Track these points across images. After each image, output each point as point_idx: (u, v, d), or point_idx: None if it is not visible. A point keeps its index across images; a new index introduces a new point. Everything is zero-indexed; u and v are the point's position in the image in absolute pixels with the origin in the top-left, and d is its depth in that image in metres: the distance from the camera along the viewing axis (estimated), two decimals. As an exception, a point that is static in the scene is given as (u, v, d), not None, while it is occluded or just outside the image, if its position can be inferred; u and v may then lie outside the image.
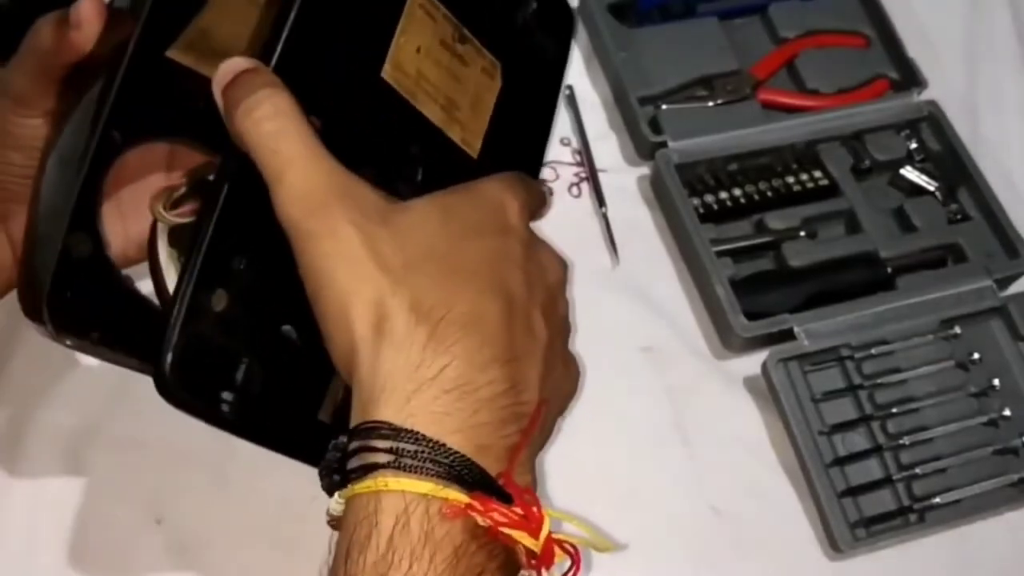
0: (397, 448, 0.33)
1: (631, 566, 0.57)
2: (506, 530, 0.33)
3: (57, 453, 0.56)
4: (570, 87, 0.72)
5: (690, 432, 0.61)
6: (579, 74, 0.73)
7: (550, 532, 0.34)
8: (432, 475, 0.33)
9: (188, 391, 0.36)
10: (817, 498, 0.58)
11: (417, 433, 0.33)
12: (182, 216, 0.44)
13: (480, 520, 0.33)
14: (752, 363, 0.62)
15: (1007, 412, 0.62)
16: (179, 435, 0.56)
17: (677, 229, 0.66)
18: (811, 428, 0.60)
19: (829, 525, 0.57)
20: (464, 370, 0.35)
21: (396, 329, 0.35)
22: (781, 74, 0.72)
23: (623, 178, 0.69)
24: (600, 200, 0.68)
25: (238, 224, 0.38)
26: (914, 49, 0.72)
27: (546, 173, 0.69)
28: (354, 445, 0.34)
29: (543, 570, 0.35)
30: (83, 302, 0.41)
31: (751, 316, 0.61)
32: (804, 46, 0.73)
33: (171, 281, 0.43)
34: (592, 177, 0.69)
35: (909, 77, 0.71)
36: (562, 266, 0.42)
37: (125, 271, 0.44)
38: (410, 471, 0.33)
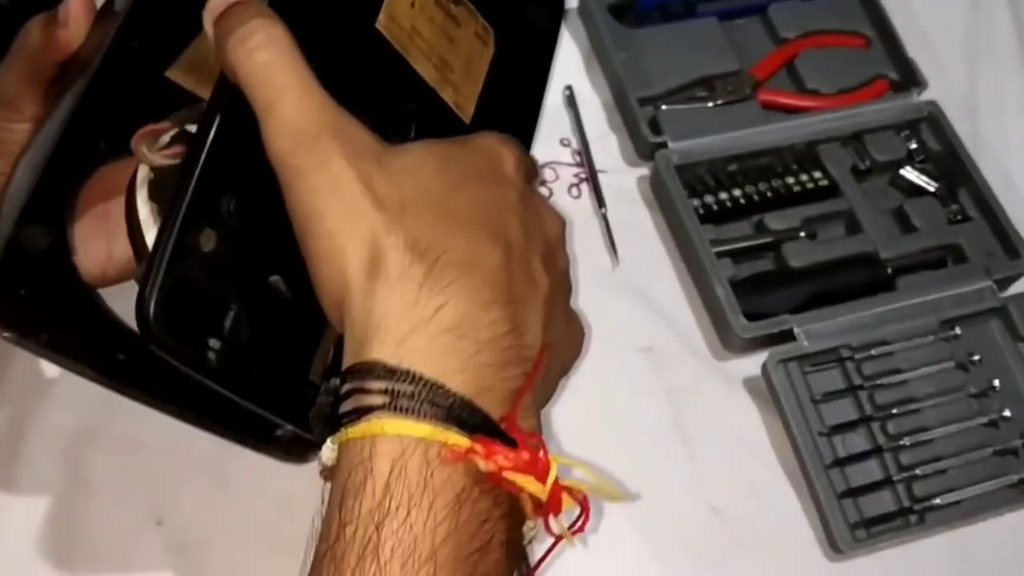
0: (392, 389, 0.32)
1: (631, 566, 0.57)
2: (510, 475, 0.32)
3: (57, 453, 0.56)
4: (570, 87, 0.72)
5: (690, 432, 0.61)
6: (579, 74, 0.73)
7: (557, 478, 0.33)
8: (430, 418, 0.31)
9: (174, 335, 0.34)
10: (817, 499, 0.58)
11: (414, 373, 0.32)
12: (168, 158, 0.42)
13: (482, 465, 0.31)
14: (752, 364, 0.62)
15: (1007, 413, 0.62)
16: (179, 436, 0.56)
17: (677, 230, 0.66)
18: (811, 429, 0.60)
19: (829, 526, 0.57)
20: (465, 309, 0.33)
21: (391, 268, 0.33)
22: (781, 74, 0.72)
23: (623, 179, 0.69)
24: (600, 201, 0.68)
25: (229, 162, 0.36)
26: (914, 49, 0.72)
27: (546, 173, 0.69)
28: (347, 387, 0.33)
29: (550, 518, 0.33)
30: (35, 299, 0.39)
31: (751, 317, 0.61)
32: (804, 46, 0.73)
33: (151, 238, 0.41)
34: (592, 178, 0.69)
35: (909, 77, 0.71)
36: (560, 221, 0.40)
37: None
38: (407, 413, 0.31)
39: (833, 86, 0.72)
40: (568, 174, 0.69)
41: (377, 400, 0.31)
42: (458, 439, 0.31)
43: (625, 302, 0.65)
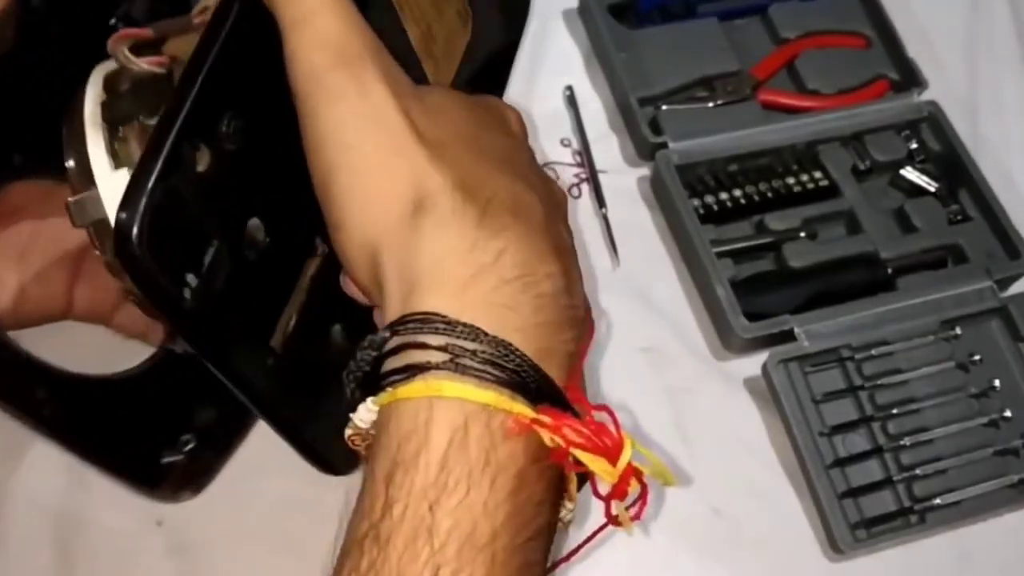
0: (453, 346, 0.27)
1: (631, 565, 0.57)
2: (579, 453, 0.28)
3: (57, 454, 0.56)
4: (570, 87, 0.72)
5: (690, 432, 0.61)
6: (579, 74, 0.73)
7: (630, 460, 0.29)
8: (494, 382, 0.28)
9: (155, 258, 0.30)
10: (817, 499, 0.58)
11: (478, 329, 0.28)
12: (152, 65, 0.38)
13: (548, 439, 0.28)
14: (752, 364, 0.62)
15: (1007, 413, 0.62)
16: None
17: (677, 230, 0.66)
18: (811, 429, 0.60)
19: (829, 526, 0.57)
20: (525, 257, 0.29)
21: (441, 206, 0.29)
22: (781, 75, 0.72)
23: (623, 179, 0.69)
24: (600, 201, 0.68)
25: (233, 78, 0.32)
26: (914, 49, 0.72)
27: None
28: (396, 341, 0.28)
29: (613, 503, 0.29)
30: None
31: (751, 317, 0.61)
32: (804, 46, 0.73)
33: (100, 167, 0.36)
34: (592, 178, 0.69)
35: (909, 77, 0.71)
36: (563, 191, 0.38)
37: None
38: (469, 374, 0.27)
39: (833, 86, 0.71)
40: (568, 174, 0.69)
41: (435, 357, 0.28)
42: (523, 409, 0.28)
43: (625, 302, 0.65)
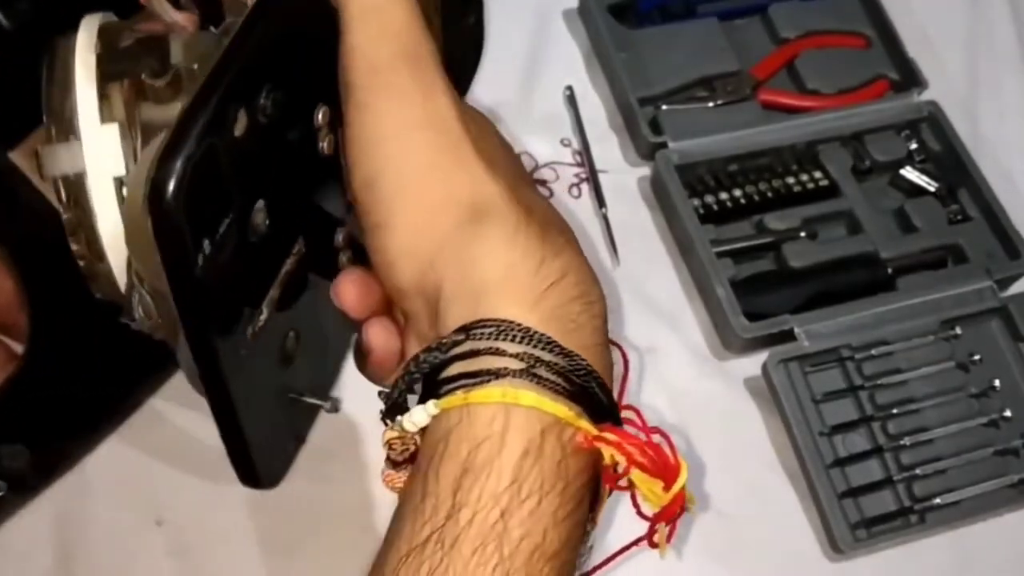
0: (529, 355, 0.27)
1: (631, 566, 0.57)
2: (637, 473, 0.28)
3: (57, 454, 0.56)
4: (570, 87, 0.72)
5: (690, 432, 0.61)
6: (579, 74, 0.73)
7: (684, 485, 0.29)
8: (565, 395, 0.27)
9: (187, 216, 0.29)
10: (817, 499, 0.58)
11: (554, 341, 0.27)
12: (186, 22, 0.37)
13: (609, 457, 0.27)
14: (752, 364, 0.62)
15: (1007, 413, 0.62)
16: (179, 436, 0.56)
17: (677, 230, 0.66)
18: (811, 429, 0.60)
19: (830, 526, 0.57)
20: (582, 278, 0.29)
21: (506, 218, 0.29)
22: (781, 74, 0.72)
23: (623, 179, 0.69)
24: (600, 201, 0.68)
25: (278, 49, 0.31)
26: (914, 49, 0.72)
27: (546, 173, 0.69)
28: (470, 346, 0.28)
29: (661, 525, 0.29)
30: None
31: (751, 317, 0.61)
32: (804, 46, 0.73)
33: (87, 121, 0.35)
34: (592, 178, 0.69)
35: (909, 77, 0.71)
36: None
37: None
38: (544, 385, 0.27)
39: (833, 86, 0.72)
40: (568, 174, 0.69)
41: (512, 364, 0.27)
42: (589, 425, 0.28)
43: (625, 302, 0.65)
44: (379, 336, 0.32)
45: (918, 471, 0.59)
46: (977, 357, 0.63)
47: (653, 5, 0.73)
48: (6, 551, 0.53)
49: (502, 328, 0.27)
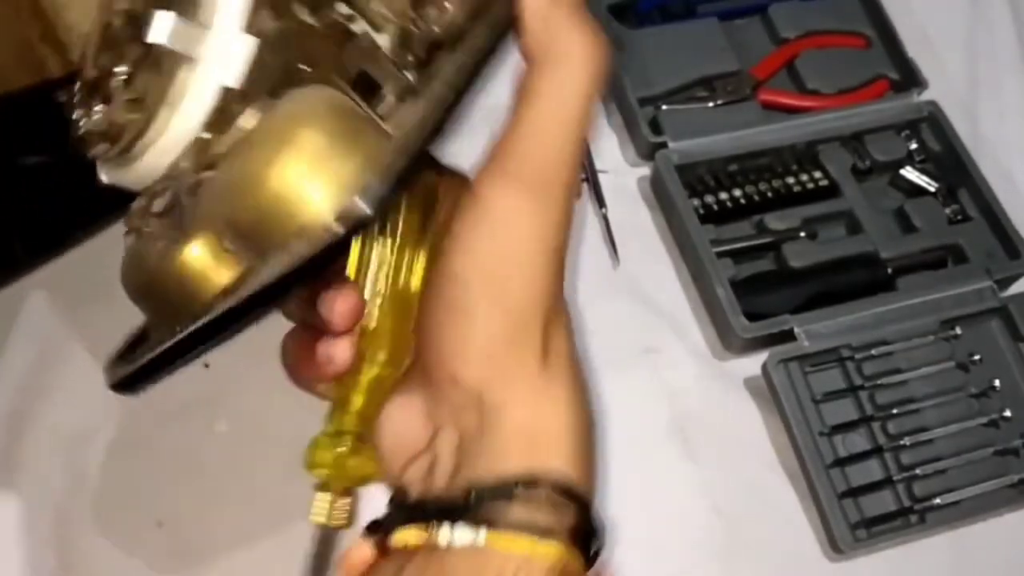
0: (573, 528, 0.28)
1: (631, 565, 0.57)
2: None
3: (57, 455, 0.56)
4: (570, 87, 0.72)
5: (690, 432, 0.61)
6: (579, 74, 0.73)
7: None
8: (587, 558, 0.29)
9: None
10: (817, 499, 0.58)
11: (594, 513, 0.29)
12: None
13: None
14: (752, 364, 0.62)
15: (1007, 413, 0.62)
16: (180, 436, 0.56)
17: (677, 230, 0.66)
18: (811, 429, 0.60)
19: (830, 526, 0.57)
20: (591, 417, 0.30)
21: (564, 366, 0.30)
22: (781, 74, 0.72)
23: (623, 179, 0.69)
24: (600, 201, 0.68)
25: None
26: (914, 49, 0.72)
27: (546, 174, 0.69)
28: (524, 498, 0.28)
29: None
30: None
31: (751, 317, 0.61)
32: (804, 46, 0.73)
33: (228, 17, 0.29)
34: (592, 178, 0.69)
35: (909, 77, 0.71)
36: None
37: None
38: (576, 546, 0.28)
39: (833, 86, 0.72)
40: (568, 174, 0.69)
41: (554, 525, 0.28)
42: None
43: (625, 302, 0.65)
44: (346, 352, 0.32)
45: (918, 471, 0.59)
46: (977, 357, 0.63)
47: (653, 5, 0.72)
48: (7, 551, 0.53)
49: (559, 489, 0.28)
